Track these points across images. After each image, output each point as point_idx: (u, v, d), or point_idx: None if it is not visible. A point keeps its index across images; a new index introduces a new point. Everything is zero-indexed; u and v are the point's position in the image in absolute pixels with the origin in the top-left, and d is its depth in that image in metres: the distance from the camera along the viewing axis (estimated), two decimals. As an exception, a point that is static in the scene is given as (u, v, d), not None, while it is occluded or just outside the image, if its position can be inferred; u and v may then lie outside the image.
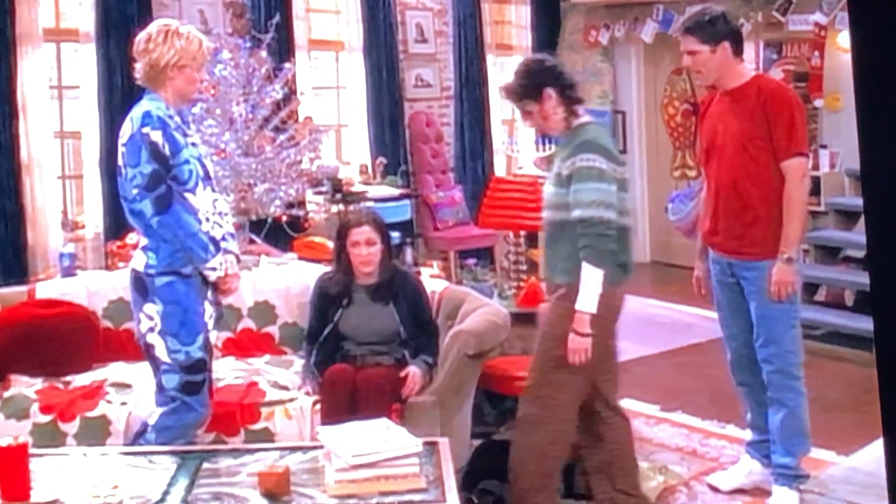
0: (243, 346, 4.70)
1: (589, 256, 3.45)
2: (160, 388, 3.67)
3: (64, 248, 5.60)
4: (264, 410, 4.04)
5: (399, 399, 4.00)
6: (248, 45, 6.08)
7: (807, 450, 4.10)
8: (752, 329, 4.01)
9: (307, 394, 4.11)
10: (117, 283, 4.53)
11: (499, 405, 4.74)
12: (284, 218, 6.09)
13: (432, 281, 4.91)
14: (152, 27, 3.68)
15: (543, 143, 8.96)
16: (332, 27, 8.33)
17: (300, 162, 6.12)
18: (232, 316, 4.66)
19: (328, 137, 7.74)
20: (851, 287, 6.60)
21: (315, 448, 3.44)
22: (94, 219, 6.85)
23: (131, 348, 4.23)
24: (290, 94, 6.52)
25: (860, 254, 6.69)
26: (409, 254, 6.55)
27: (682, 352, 6.44)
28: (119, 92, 6.55)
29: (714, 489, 4.25)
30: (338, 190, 7.34)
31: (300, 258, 5.51)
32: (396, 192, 7.77)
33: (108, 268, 5.55)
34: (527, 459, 3.71)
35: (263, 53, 6.13)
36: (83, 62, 6.81)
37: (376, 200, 7.37)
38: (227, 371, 4.34)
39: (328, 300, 4.26)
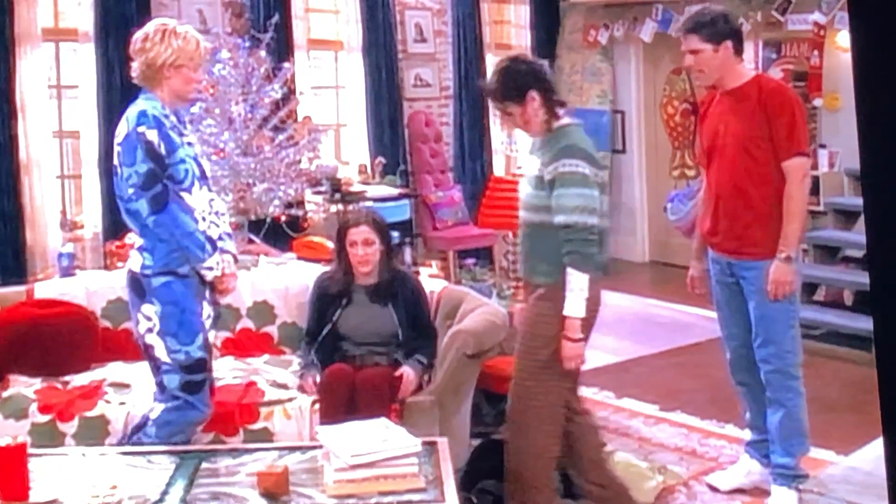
0: (242, 345, 4.70)
1: (574, 262, 3.48)
2: (162, 389, 3.67)
3: (63, 247, 5.60)
4: (263, 410, 4.04)
5: (396, 399, 4.00)
6: (247, 44, 6.08)
7: (806, 449, 4.10)
8: (751, 329, 4.01)
9: (304, 389, 4.10)
10: (116, 283, 4.52)
11: (498, 405, 4.73)
12: (283, 218, 6.09)
13: (431, 281, 4.91)
14: (149, 26, 3.67)
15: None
16: (332, 27, 8.33)
17: (299, 161, 6.11)
18: (231, 316, 4.66)
19: (327, 137, 7.74)
20: (850, 287, 6.60)
21: (314, 448, 3.44)
22: (92, 219, 6.84)
23: (130, 348, 4.23)
24: (289, 94, 6.51)
25: (859, 253, 6.69)
26: (408, 253, 6.55)
27: (681, 351, 6.44)
28: (118, 92, 6.54)
29: (713, 489, 4.25)
30: (337, 190, 7.34)
31: (299, 258, 5.50)
32: (395, 191, 7.77)
33: (106, 268, 5.55)
34: (522, 461, 3.71)
35: (262, 53, 6.13)
36: (82, 62, 6.80)
37: (375, 200, 7.36)
38: (225, 371, 4.33)
39: (327, 299, 4.26)
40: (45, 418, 4.00)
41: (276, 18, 6.65)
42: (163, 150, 3.53)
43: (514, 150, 9.12)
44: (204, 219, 3.64)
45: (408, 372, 4.05)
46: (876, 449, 4.49)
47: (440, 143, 8.70)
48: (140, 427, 3.72)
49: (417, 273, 5.03)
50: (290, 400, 4.09)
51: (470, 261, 8.08)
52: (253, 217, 5.97)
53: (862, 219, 6.69)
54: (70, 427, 3.99)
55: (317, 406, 4.02)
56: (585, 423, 3.85)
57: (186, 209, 3.58)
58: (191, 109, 5.66)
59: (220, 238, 3.72)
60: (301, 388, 4.15)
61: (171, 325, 3.59)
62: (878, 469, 4.02)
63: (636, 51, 9.08)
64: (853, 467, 4.44)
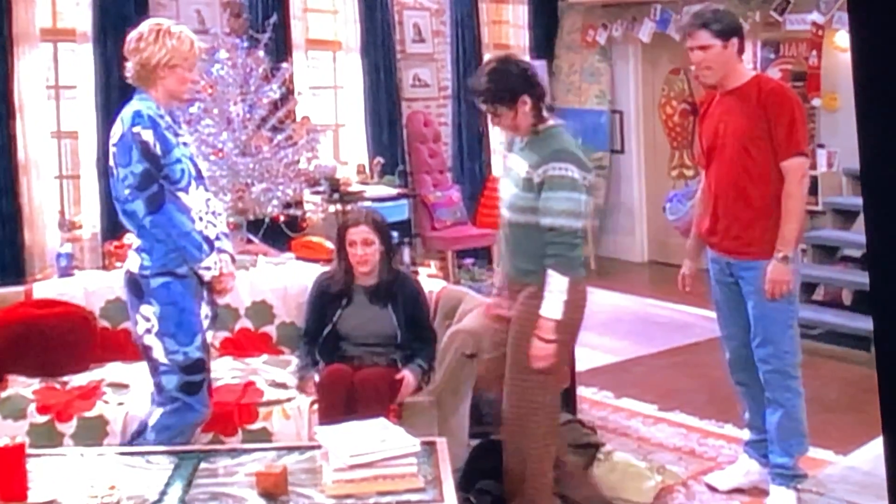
0: (241, 345, 4.69)
1: (556, 265, 3.51)
2: (160, 390, 3.66)
3: (61, 248, 5.60)
4: (262, 410, 4.04)
5: (395, 401, 4.00)
6: (246, 44, 6.08)
7: (804, 449, 4.10)
8: (750, 329, 4.01)
9: (304, 390, 4.10)
10: (114, 283, 4.51)
11: (496, 405, 4.74)
12: (282, 218, 6.09)
13: (430, 281, 4.90)
14: (144, 26, 3.65)
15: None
16: (330, 27, 8.33)
17: (298, 162, 6.11)
18: (229, 316, 4.66)
19: (325, 137, 7.74)
20: (849, 286, 6.60)
21: (313, 448, 3.44)
22: (91, 219, 6.84)
23: (129, 348, 4.22)
24: (288, 94, 6.51)
25: (858, 253, 6.70)
26: (406, 253, 6.54)
27: (680, 351, 6.44)
28: (116, 92, 6.52)
29: (712, 489, 4.25)
30: (335, 190, 7.34)
31: (298, 258, 5.50)
32: (394, 191, 7.77)
33: (105, 268, 5.55)
34: (522, 461, 3.72)
35: (261, 53, 6.13)
36: (80, 62, 6.80)
37: (374, 200, 7.36)
38: (224, 371, 4.33)
39: (327, 299, 4.24)
40: (43, 419, 4.00)
41: (274, 18, 6.64)
42: (158, 151, 3.53)
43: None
44: (201, 219, 3.64)
45: (408, 376, 4.05)
46: (875, 448, 4.49)
47: (438, 143, 8.70)
48: (139, 433, 3.72)
49: (416, 273, 5.03)
50: (288, 400, 4.09)
51: (468, 261, 8.08)
52: (251, 217, 5.96)
53: (860, 219, 6.70)
54: (69, 427, 3.99)
55: (315, 406, 4.02)
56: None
57: (183, 209, 3.58)
58: (189, 110, 5.67)
59: (217, 238, 3.72)
60: (301, 389, 4.14)
61: (169, 325, 3.58)
62: (877, 468, 4.03)
63: (635, 51, 9.08)
64: (852, 467, 4.44)
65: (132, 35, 3.64)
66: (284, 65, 6.31)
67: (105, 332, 4.60)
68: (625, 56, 9.16)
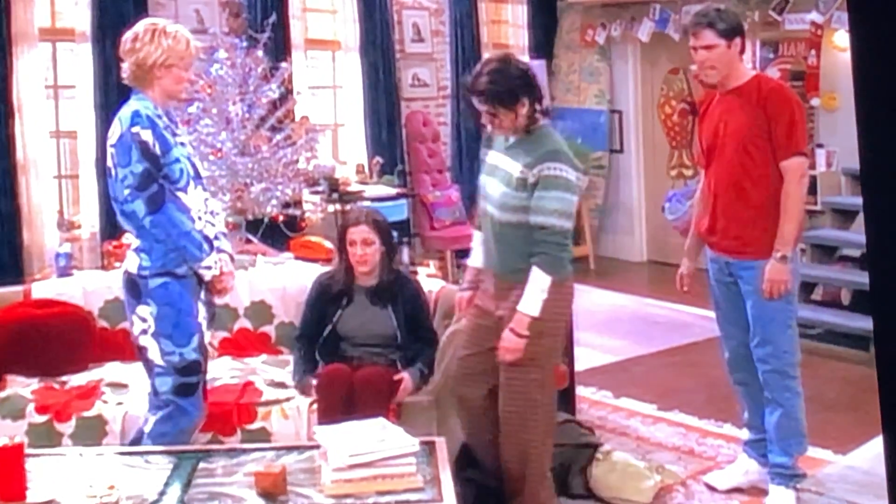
0: (240, 345, 4.69)
1: (543, 263, 3.52)
2: (154, 392, 3.66)
3: (60, 247, 5.60)
4: (261, 410, 4.04)
5: (393, 401, 3.99)
6: (245, 44, 6.08)
7: (803, 449, 4.10)
8: (749, 328, 4.01)
9: (304, 392, 4.10)
10: (113, 283, 4.51)
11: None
12: (281, 217, 6.09)
13: (429, 280, 4.90)
14: (139, 26, 3.64)
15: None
16: (329, 26, 8.32)
17: (297, 161, 6.11)
18: (228, 315, 4.66)
19: (325, 137, 7.73)
20: (848, 286, 6.60)
21: (312, 448, 3.44)
22: (90, 218, 6.84)
23: (127, 348, 4.21)
24: (287, 94, 6.51)
25: (857, 253, 6.70)
26: (405, 253, 6.54)
27: (679, 351, 6.44)
28: (115, 91, 6.51)
29: (711, 488, 4.25)
30: (334, 189, 7.34)
31: (297, 258, 5.50)
32: (393, 191, 7.77)
33: (104, 268, 5.54)
34: (521, 461, 3.72)
35: (260, 53, 6.13)
36: (79, 62, 6.80)
37: (373, 200, 7.36)
38: (223, 371, 4.33)
39: (328, 299, 4.22)
40: (42, 418, 4.00)
41: (273, 18, 6.64)
42: (158, 150, 3.52)
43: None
44: (200, 218, 3.63)
45: (406, 379, 4.04)
46: (874, 448, 4.49)
47: (437, 142, 8.70)
48: (136, 442, 3.71)
49: (415, 273, 5.02)
50: (287, 400, 4.09)
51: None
52: (250, 217, 5.96)
53: (859, 218, 6.70)
54: (67, 427, 3.98)
55: (314, 406, 4.01)
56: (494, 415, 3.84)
57: (183, 209, 3.57)
58: (188, 109, 5.67)
59: (216, 237, 3.71)
60: (301, 391, 4.13)
61: (166, 326, 3.57)
62: (876, 468, 4.03)
63: (634, 50, 9.09)
64: (851, 466, 4.44)
65: (128, 35, 3.63)
66: (283, 64, 6.30)
67: (104, 331, 4.60)
68: (624, 55, 9.17)
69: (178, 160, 3.58)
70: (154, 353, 3.60)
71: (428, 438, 3.50)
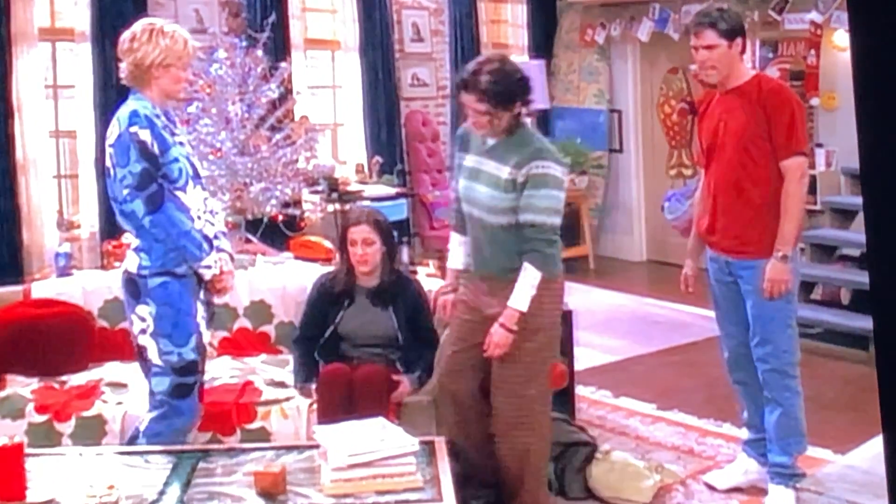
0: (239, 345, 4.69)
1: (534, 260, 3.55)
2: (151, 392, 3.66)
3: (59, 247, 5.59)
4: (260, 410, 4.04)
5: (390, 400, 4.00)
6: (244, 44, 6.07)
7: (803, 448, 4.10)
8: (748, 328, 4.01)
9: (305, 394, 4.10)
10: (113, 283, 4.51)
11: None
12: (280, 217, 6.08)
13: (428, 280, 4.90)
14: (137, 26, 3.64)
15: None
16: (328, 26, 8.32)
17: (296, 161, 6.11)
18: (228, 315, 4.66)
19: (324, 136, 7.73)
20: (847, 286, 6.60)
21: (311, 447, 3.44)
22: (89, 218, 6.84)
23: (127, 348, 4.21)
24: (286, 94, 6.51)
25: (856, 252, 6.70)
26: (405, 253, 6.54)
27: (679, 350, 6.44)
28: (114, 91, 6.51)
29: (710, 488, 4.25)
30: (334, 189, 7.34)
31: (296, 257, 5.49)
32: (392, 191, 7.77)
33: (103, 267, 5.54)
34: (519, 460, 3.72)
35: (259, 52, 6.12)
36: (78, 61, 6.80)
37: (372, 200, 7.36)
38: (223, 370, 4.33)
39: (330, 299, 4.21)
40: (41, 418, 4.00)
41: (272, 18, 6.64)
42: (156, 150, 3.52)
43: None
44: (199, 217, 3.63)
45: (405, 383, 4.04)
46: (873, 447, 4.49)
47: (437, 142, 8.70)
48: (132, 440, 3.71)
49: (415, 273, 5.02)
50: (287, 399, 4.09)
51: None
52: (250, 216, 5.96)
53: (859, 218, 6.70)
54: (67, 427, 3.98)
55: (314, 406, 4.01)
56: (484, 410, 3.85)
57: (182, 208, 3.57)
58: (187, 109, 5.66)
59: (215, 237, 3.71)
60: (302, 394, 4.13)
61: (165, 326, 3.57)
62: (876, 467, 4.03)
63: (633, 50, 9.08)
64: (850, 466, 4.44)
65: (125, 35, 3.63)
66: (283, 64, 6.30)
67: (103, 331, 4.60)
68: (623, 55, 9.16)
69: (176, 160, 3.58)
70: (153, 353, 3.60)
71: (428, 438, 3.50)
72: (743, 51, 3.96)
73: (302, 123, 6.98)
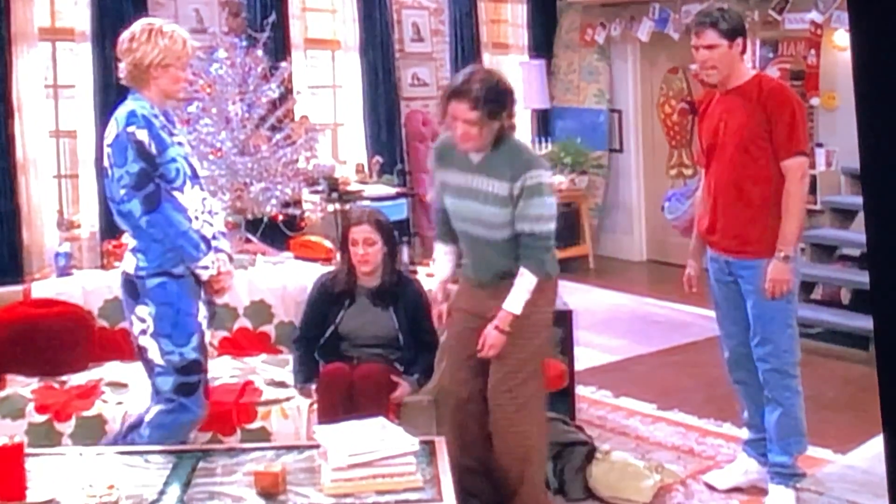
0: (239, 345, 4.69)
1: (531, 266, 3.60)
2: (156, 391, 3.66)
3: (59, 247, 5.59)
4: (261, 410, 4.04)
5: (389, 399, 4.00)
6: (244, 44, 6.08)
7: (803, 448, 4.10)
8: (749, 327, 4.01)
9: (305, 395, 4.10)
10: (113, 283, 4.50)
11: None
12: (280, 217, 6.09)
13: (428, 280, 4.89)
14: (136, 26, 3.64)
15: (540, 142, 8.98)
16: (329, 26, 8.32)
17: (296, 161, 6.11)
18: (228, 315, 4.66)
19: (324, 136, 7.74)
20: (847, 285, 6.60)
21: (311, 447, 3.44)
22: (89, 218, 6.84)
23: (127, 348, 4.22)
24: (286, 93, 6.52)
25: (856, 252, 6.70)
26: (405, 253, 6.54)
27: (679, 350, 6.44)
28: (114, 91, 6.49)
29: (711, 488, 4.25)
30: (334, 189, 7.34)
31: (296, 257, 5.50)
32: (392, 190, 7.77)
33: (103, 267, 5.54)
34: (517, 461, 3.72)
35: (259, 52, 6.13)
36: (79, 61, 6.80)
37: (372, 199, 7.36)
38: (223, 370, 4.33)
39: (330, 300, 4.20)
40: (41, 418, 4.00)
41: (272, 18, 6.65)
42: (154, 150, 3.52)
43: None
44: (197, 218, 3.63)
45: (403, 385, 4.03)
46: (873, 447, 4.49)
47: (437, 142, 8.69)
48: (135, 427, 3.71)
49: (415, 272, 5.02)
50: (287, 399, 4.09)
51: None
52: (250, 216, 5.96)
53: (859, 217, 6.70)
54: (67, 427, 3.98)
55: (314, 406, 4.01)
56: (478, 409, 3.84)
57: (179, 208, 3.57)
58: (188, 109, 5.67)
59: (214, 237, 3.71)
60: (302, 392, 4.13)
61: (165, 326, 3.57)
62: (876, 467, 4.03)
63: (633, 50, 9.08)
64: (850, 466, 4.44)
65: (124, 35, 3.63)
66: (283, 64, 6.31)
67: (103, 331, 4.60)
68: (623, 55, 9.16)
69: (174, 160, 3.58)
70: (154, 353, 3.60)
71: (428, 438, 3.50)
72: (743, 51, 3.96)
73: (302, 123, 6.98)
